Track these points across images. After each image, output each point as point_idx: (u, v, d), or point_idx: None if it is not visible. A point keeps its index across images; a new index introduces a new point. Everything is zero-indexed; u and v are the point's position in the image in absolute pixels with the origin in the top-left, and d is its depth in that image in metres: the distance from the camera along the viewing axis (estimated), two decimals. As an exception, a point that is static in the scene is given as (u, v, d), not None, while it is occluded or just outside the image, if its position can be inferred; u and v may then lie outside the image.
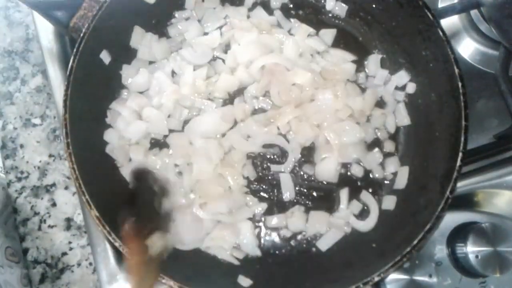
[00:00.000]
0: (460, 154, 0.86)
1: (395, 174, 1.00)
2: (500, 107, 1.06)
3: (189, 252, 0.95)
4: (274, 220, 0.98)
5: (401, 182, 0.99)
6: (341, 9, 1.09)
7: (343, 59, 1.06)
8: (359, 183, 1.01)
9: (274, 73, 1.01)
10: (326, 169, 1.00)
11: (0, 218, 1.05)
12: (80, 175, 0.86)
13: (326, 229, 0.97)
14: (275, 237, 0.98)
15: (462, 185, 1.01)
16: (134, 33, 1.04)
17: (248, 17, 1.09)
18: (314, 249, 0.97)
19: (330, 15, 1.10)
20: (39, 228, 1.07)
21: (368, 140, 1.02)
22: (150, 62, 1.06)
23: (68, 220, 1.08)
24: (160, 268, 0.82)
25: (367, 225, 0.96)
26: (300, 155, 1.01)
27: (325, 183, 1.01)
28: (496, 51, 1.07)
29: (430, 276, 0.93)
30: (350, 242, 0.97)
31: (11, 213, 1.08)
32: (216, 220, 0.96)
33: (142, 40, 1.05)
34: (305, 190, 1.00)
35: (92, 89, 0.97)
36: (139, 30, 1.04)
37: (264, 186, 1.00)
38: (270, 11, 1.10)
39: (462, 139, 0.87)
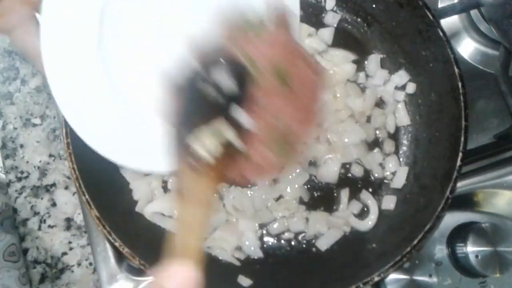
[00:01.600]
0: (460, 154, 0.86)
1: (395, 174, 1.01)
2: (500, 107, 1.06)
3: None
4: (275, 225, 0.98)
5: (399, 181, 0.99)
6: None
7: (343, 59, 1.06)
8: (359, 183, 1.01)
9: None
10: (328, 170, 1.00)
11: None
12: (80, 175, 0.86)
13: (327, 229, 0.97)
14: (276, 238, 0.98)
15: (462, 185, 1.01)
16: None
17: (248, 17, 1.09)
18: (314, 249, 0.97)
19: (330, 15, 1.10)
20: (39, 228, 1.07)
21: (369, 140, 1.02)
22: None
23: (68, 220, 1.08)
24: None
25: (366, 224, 0.97)
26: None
27: (325, 183, 1.01)
28: (496, 51, 1.08)
29: (430, 276, 0.93)
30: (350, 242, 0.97)
31: (9, 212, 1.08)
32: (225, 219, 0.96)
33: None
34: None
35: (92, 89, 0.97)
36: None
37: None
38: (270, 11, 1.10)
39: (462, 139, 0.87)
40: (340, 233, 0.96)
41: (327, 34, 1.08)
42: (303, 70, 0.74)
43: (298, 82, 0.73)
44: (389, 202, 0.98)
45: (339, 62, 1.05)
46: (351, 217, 0.97)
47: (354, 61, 1.07)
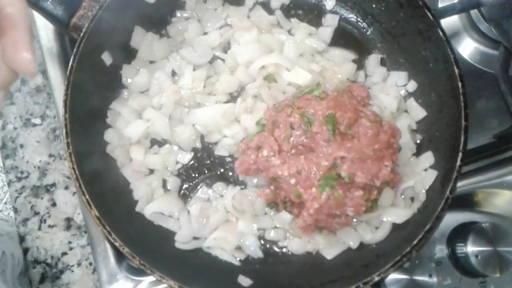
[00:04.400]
0: (460, 154, 0.86)
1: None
2: (500, 107, 1.06)
3: (190, 252, 0.95)
4: (272, 233, 0.97)
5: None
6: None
7: (344, 59, 1.06)
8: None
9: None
10: None
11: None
12: (80, 175, 0.86)
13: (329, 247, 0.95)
14: (275, 238, 0.98)
15: (462, 185, 1.01)
16: (134, 33, 1.04)
17: (248, 17, 1.09)
18: (314, 252, 0.97)
19: (330, 15, 1.10)
20: (39, 228, 1.07)
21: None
22: (150, 62, 1.06)
23: (68, 220, 1.08)
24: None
25: (375, 238, 0.94)
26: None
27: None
28: (496, 51, 1.07)
29: (430, 276, 0.93)
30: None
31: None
32: (225, 218, 0.97)
33: (143, 40, 1.05)
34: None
35: (92, 89, 0.97)
36: (140, 30, 1.04)
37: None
38: (270, 11, 1.10)
39: (462, 139, 0.87)
40: (347, 245, 0.95)
41: (327, 33, 1.08)
42: (367, 126, 0.88)
43: (360, 134, 0.87)
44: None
45: (340, 62, 1.05)
46: (362, 231, 0.94)
47: (354, 61, 1.07)
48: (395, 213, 0.93)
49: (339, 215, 0.87)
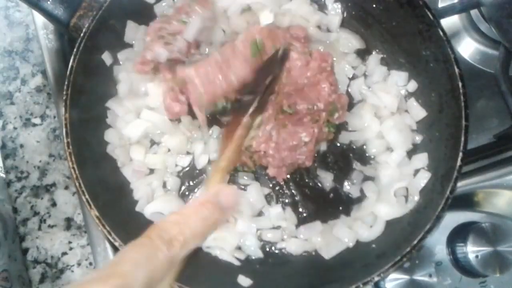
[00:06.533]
0: (460, 154, 0.86)
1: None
2: (500, 107, 1.06)
3: (190, 251, 0.95)
4: (269, 234, 0.97)
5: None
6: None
7: (349, 48, 1.07)
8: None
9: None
10: None
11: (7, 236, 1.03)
12: (80, 175, 0.86)
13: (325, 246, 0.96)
14: (273, 240, 0.98)
15: (462, 185, 1.01)
16: (127, 28, 1.02)
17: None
18: (313, 252, 0.97)
19: (330, 15, 1.09)
20: (39, 228, 1.07)
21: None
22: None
23: (68, 220, 1.08)
24: None
25: (371, 235, 0.95)
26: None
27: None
28: (496, 51, 1.08)
29: (430, 276, 0.93)
30: (350, 242, 0.97)
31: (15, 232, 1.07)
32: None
33: (136, 34, 1.03)
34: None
35: (92, 89, 0.97)
36: (132, 24, 1.03)
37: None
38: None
39: (462, 139, 0.87)
40: (344, 245, 0.95)
41: (332, 21, 1.07)
42: (295, 58, 0.92)
43: (291, 67, 0.91)
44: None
45: (345, 43, 1.07)
46: (358, 229, 0.95)
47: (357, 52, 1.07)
48: (385, 209, 0.94)
49: (298, 145, 0.90)
